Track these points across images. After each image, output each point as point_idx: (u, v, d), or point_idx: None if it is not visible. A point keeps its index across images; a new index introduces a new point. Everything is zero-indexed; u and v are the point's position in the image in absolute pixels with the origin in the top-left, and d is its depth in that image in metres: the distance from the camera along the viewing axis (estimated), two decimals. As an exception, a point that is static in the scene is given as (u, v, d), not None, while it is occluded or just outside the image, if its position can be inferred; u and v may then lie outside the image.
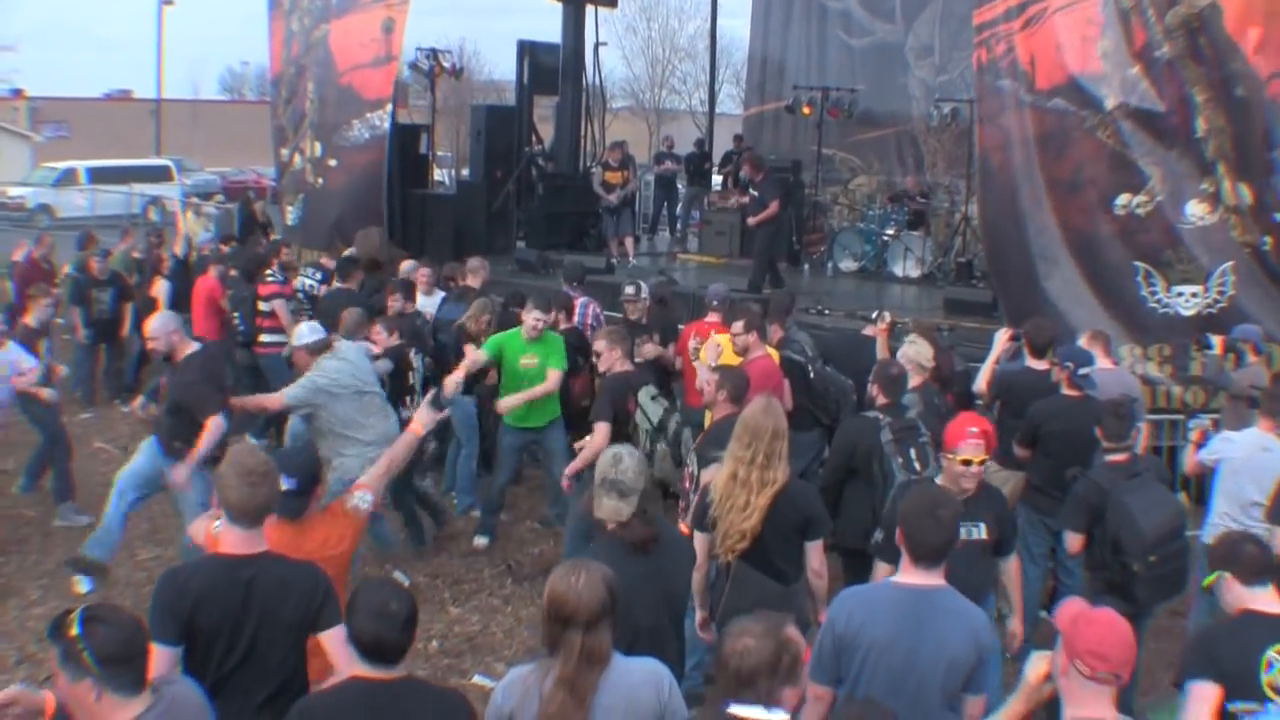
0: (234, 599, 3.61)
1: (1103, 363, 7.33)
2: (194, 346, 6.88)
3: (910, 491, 4.15)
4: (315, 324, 7.74)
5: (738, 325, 7.18)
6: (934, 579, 3.73)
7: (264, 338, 9.99)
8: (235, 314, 10.26)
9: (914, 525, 3.73)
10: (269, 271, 10.44)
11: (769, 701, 2.95)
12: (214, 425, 6.59)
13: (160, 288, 11.96)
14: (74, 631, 2.83)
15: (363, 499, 4.49)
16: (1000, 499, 5.21)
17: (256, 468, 3.78)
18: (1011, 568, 5.28)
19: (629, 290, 8.94)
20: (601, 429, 6.87)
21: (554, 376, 7.86)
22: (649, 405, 6.78)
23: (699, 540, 5.14)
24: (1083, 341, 7.43)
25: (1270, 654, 3.74)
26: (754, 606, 4.85)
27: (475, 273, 9.80)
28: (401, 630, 3.14)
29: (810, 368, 7.74)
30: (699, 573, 5.16)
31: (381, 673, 3.13)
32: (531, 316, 7.81)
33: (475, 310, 8.50)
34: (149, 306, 11.20)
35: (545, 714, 3.20)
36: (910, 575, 3.75)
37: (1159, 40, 8.88)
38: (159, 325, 6.80)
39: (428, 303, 9.68)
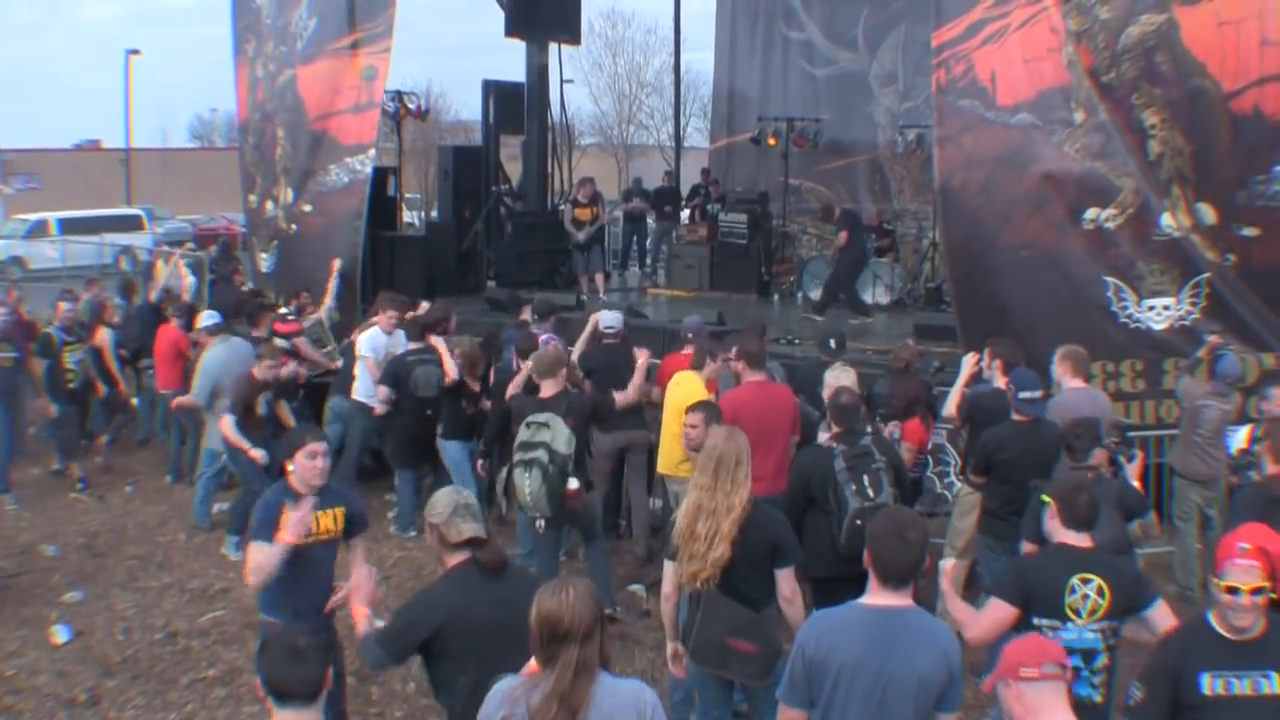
0: None
1: (1073, 382, 7.34)
2: None
3: (878, 514, 4.17)
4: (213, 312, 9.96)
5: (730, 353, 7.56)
6: (902, 599, 3.77)
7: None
8: None
9: (881, 547, 3.77)
10: (285, 310, 11.20)
11: None
12: None
13: (103, 336, 11.59)
14: None
15: None
16: None
17: None
18: None
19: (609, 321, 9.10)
20: None
21: None
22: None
23: (667, 569, 5.17)
24: (1055, 360, 7.44)
25: (1073, 580, 4.45)
26: (726, 635, 4.92)
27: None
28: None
29: None
30: (668, 603, 5.21)
31: None
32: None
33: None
34: (94, 356, 11.44)
35: None
36: (879, 596, 3.78)
37: (1104, 66, 8.92)
38: None
39: (391, 342, 9.83)
